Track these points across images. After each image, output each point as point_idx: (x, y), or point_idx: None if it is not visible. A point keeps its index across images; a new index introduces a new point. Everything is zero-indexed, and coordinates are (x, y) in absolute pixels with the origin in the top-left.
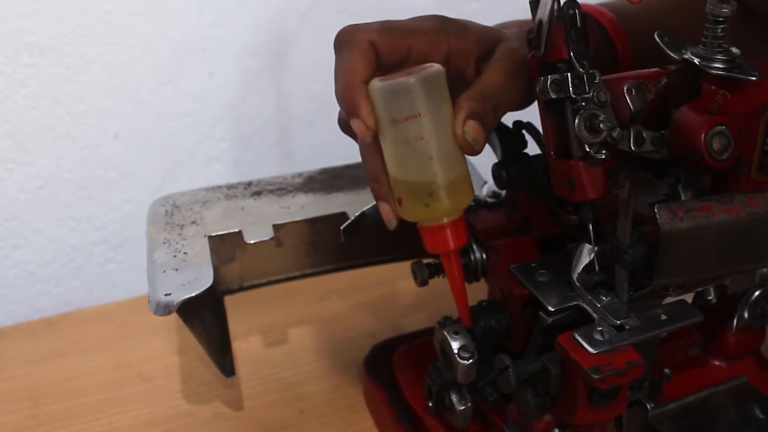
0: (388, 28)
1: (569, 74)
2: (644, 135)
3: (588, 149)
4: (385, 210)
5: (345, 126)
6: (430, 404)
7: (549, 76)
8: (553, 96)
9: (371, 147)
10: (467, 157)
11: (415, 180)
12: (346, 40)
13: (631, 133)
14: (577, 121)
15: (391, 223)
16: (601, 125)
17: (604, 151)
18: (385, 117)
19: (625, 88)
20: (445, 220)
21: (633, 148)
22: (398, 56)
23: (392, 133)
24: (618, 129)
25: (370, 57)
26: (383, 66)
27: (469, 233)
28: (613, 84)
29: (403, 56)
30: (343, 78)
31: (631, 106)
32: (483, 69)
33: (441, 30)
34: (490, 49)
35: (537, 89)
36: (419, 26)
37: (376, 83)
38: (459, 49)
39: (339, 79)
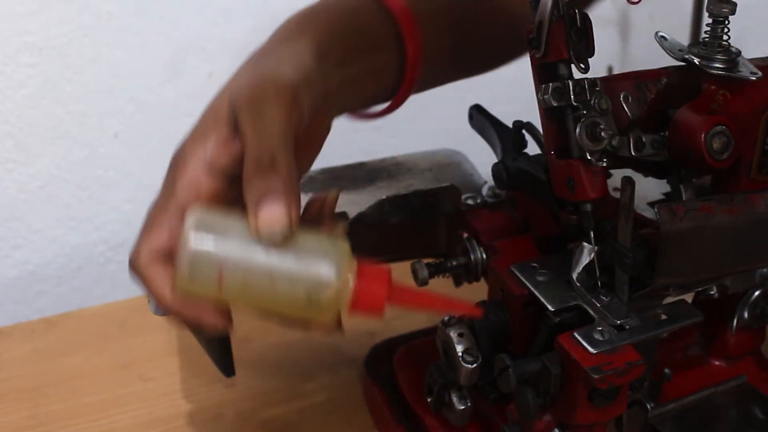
0: (149, 225)
1: (570, 82)
2: (644, 139)
3: (589, 157)
4: (321, 331)
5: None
6: (429, 400)
7: (550, 84)
8: (555, 104)
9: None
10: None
11: (288, 305)
12: (136, 273)
13: (631, 139)
14: (578, 129)
15: (337, 333)
16: (602, 133)
17: (605, 159)
18: (212, 292)
19: (622, 96)
20: (348, 292)
21: (633, 153)
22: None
23: (231, 297)
24: (617, 137)
25: (160, 269)
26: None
27: (383, 265)
28: (611, 87)
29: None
30: (163, 307)
31: (629, 114)
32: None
33: (179, 168)
34: (231, 116)
35: (538, 96)
36: (165, 191)
37: (178, 279)
38: (210, 154)
39: (162, 308)
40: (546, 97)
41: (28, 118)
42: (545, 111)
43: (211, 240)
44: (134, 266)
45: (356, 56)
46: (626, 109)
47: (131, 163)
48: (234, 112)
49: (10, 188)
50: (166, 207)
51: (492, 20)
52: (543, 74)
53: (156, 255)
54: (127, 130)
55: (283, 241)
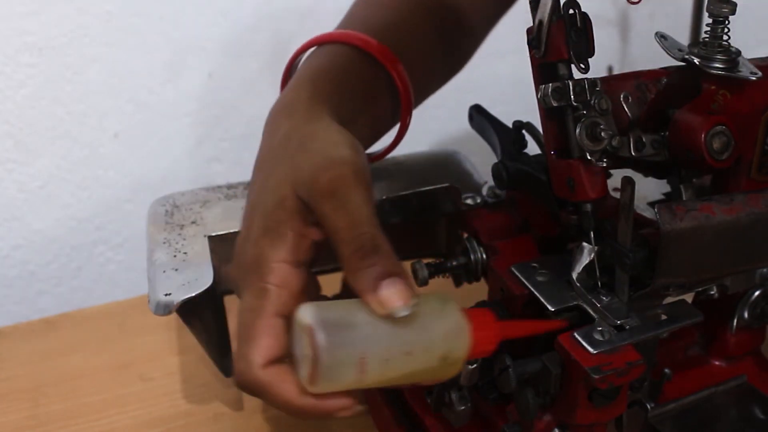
0: (247, 339)
1: (570, 82)
2: (644, 140)
3: (589, 157)
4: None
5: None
6: (429, 400)
7: (550, 84)
8: (555, 104)
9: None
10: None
11: (424, 373)
12: (252, 389)
13: (631, 139)
14: (578, 129)
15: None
16: (603, 133)
17: (605, 160)
18: (349, 384)
19: (622, 96)
20: (468, 347)
21: (634, 153)
22: (285, 332)
23: (368, 382)
24: (618, 137)
25: (278, 377)
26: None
27: (489, 313)
28: (611, 87)
29: (285, 327)
30: (292, 411)
31: (629, 114)
32: (322, 225)
33: (261, 275)
34: (300, 205)
35: (538, 96)
36: (253, 301)
37: (310, 385)
38: (288, 252)
39: (289, 412)
40: (546, 97)
41: (28, 118)
42: (545, 111)
43: (340, 334)
44: (248, 378)
45: (362, 113)
46: (626, 109)
47: (131, 163)
48: (310, 202)
49: (10, 188)
50: (263, 313)
51: (446, 28)
52: (543, 74)
53: (269, 363)
54: (127, 130)
55: (410, 316)
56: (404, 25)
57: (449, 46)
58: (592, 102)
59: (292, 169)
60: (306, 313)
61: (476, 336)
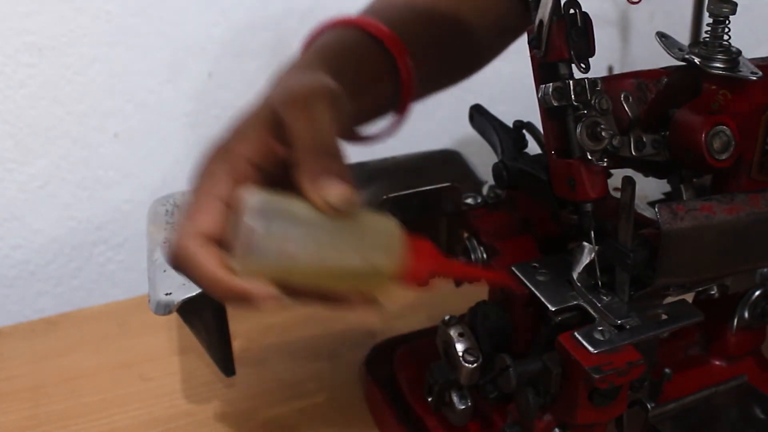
0: (192, 211)
1: (571, 81)
2: (644, 139)
3: (590, 157)
4: (365, 307)
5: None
6: (429, 400)
7: (551, 84)
8: (555, 104)
9: (293, 299)
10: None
11: (348, 276)
12: (180, 261)
13: (632, 139)
14: (578, 128)
15: (381, 310)
16: (603, 133)
17: (605, 159)
18: (273, 270)
19: (622, 96)
20: (400, 265)
21: (634, 153)
22: (223, 217)
23: (291, 272)
24: (618, 137)
25: (207, 251)
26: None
27: (434, 246)
28: (612, 87)
29: (226, 212)
30: (214, 289)
31: (629, 113)
32: (287, 136)
33: (224, 160)
34: (274, 120)
35: (538, 96)
36: (208, 179)
37: (234, 261)
38: (253, 151)
39: (213, 292)
40: (546, 96)
41: (28, 118)
42: (546, 111)
43: (273, 219)
44: (181, 250)
45: (361, 91)
46: (626, 108)
47: (131, 163)
48: (279, 113)
49: (10, 188)
50: (210, 194)
51: (453, 36)
52: (543, 74)
53: (204, 239)
54: (127, 130)
55: (346, 214)
56: (417, 22)
57: (453, 54)
58: (593, 102)
59: (269, 95)
60: (248, 194)
61: (409, 257)
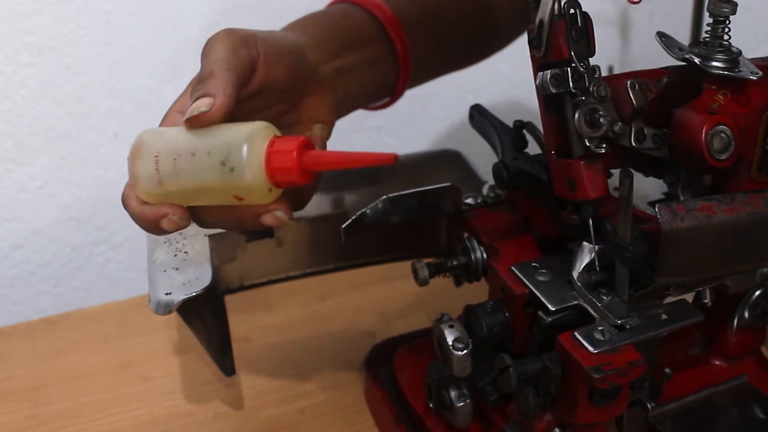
0: None
1: (569, 68)
2: (645, 131)
3: (588, 143)
4: (269, 219)
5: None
6: (431, 404)
7: (549, 71)
8: (553, 90)
9: (194, 218)
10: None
11: (212, 177)
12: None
13: (633, 129)
14: (576, 115)
15: (280, 218)
16: (601, 119)
17: (604, 146)
18: (156, 188)
19: (629, 83)
20: (262, 157)
21: (634, 144)
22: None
23: (169, 185)
24: (619, 123)
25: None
26: None
27: (303, 137)
28: (614, 80)
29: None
30: (132, 216)
31: (634, 101)
32: None
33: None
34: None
35: (536, 84)
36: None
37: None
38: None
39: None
40: (544, 83)
41: (28, 118)
42: (544, 101)
43: (147, 142)
44: (123, 194)
45: (347, 49)
46: (632, 96)
47: None
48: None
49: (10, 188)
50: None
51: (474, 13)
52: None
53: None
54: (127, 130)
55: (206, 123)
56: (431, 4)
57: (474, 32)
58: (591, 89)
59: None
60: (143, 131)
61: (272, 149)
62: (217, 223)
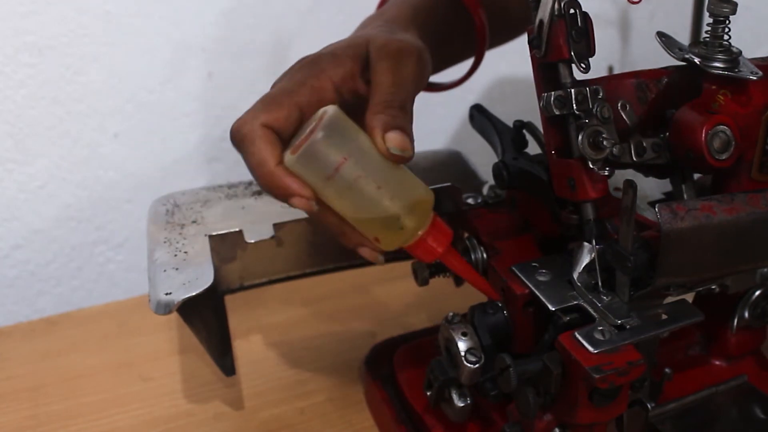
0: (269, 102)
1: (573, 90)
2: (644, 144)
3: (591, 165)
4: (368, 253)
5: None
6: (429, 393)
7: (552, 93)
8: (557, 112)
9: (321, 210)
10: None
11: (377, 215)
12: (241, 137)
13: (632, 145)
14: (580, 137)
15: (379, 260)
16: (605, 142)
17: (607, 169)
18: (318, 179)
19: (619, 105)
20: (420, 232)
21: (635, 159)
22: (294, 120)
23: (332, 188)
24: (619, 145)
25: (271, 138)
26: (287, 135)
27: (451, 229)
28: (612, 87)
29: (298, 117)
30: (259, 172)
31: (627, 121)
32: (371, 78)
33: (314, 73)
34: (365, 57)
35: (540, 104)
36: (294, 82)
37: (290, 157)
38: (340, 76)
39: (256, 174)
40: (548, 106)
41: (28, 118)
42: (547, 118)
43: (340, 135)
44: (241, 133)
45: (438, 47)
46: (624, 117)
47: (131, 163)
48: (374, 57)
49: (10, 188)
50: (290, 95)
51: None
52: (544, 74)
53: (267, 129)
54: (127, 130)
55: (398, 162)
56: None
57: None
58: (594, 110)
59: (368, 34)
60: (329, 108)
61: (429, 230)
62: (325, 224)
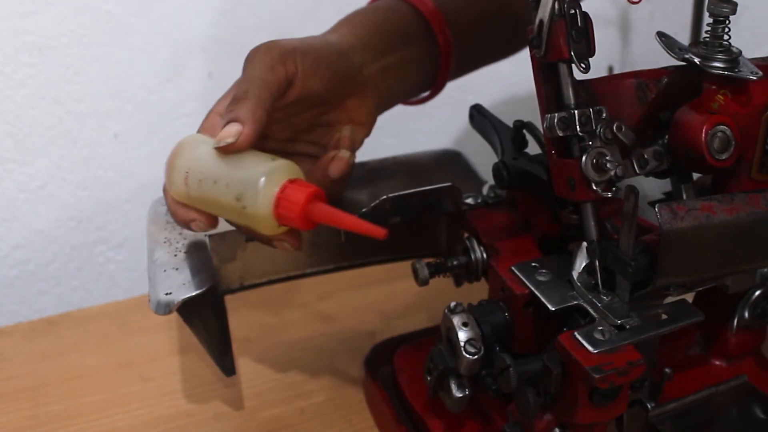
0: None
1: (576, 112)
2: (645, 156)
3: (595, 188)
4: (280, 245)
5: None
6: (428, 379)
7: (556, 114)
8: (560, 134)
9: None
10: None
11: (225, 205)
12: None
13: (633, 160)
14: (584, 160)
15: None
16: (608, 165)
17: (613, 189)
18: (190, 199)
19: (615, 127)
20: (269, 207)
21: (638, 171)
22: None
23: (198, 201)
24: (621, 166)
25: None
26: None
27: (311, 186)
28: (612, 87)
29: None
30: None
31: (625, 141)
32: None
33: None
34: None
35: (543, 126)
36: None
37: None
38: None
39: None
40: (552, 128)
41: (28, 118)
42: (551, 140)
43: (184, 152)
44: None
45: (392, 48)
46: (622, 138)
47: (131, 163)
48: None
49: (10, 188)
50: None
51: (510, 11)
52: (544, 74)
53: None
54: (127, 130)
55: (231, 152)
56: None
57: (512, 21)
58: (598, 131)
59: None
60: (185, 137)
61: (282, 194)
62: (240, 230)
